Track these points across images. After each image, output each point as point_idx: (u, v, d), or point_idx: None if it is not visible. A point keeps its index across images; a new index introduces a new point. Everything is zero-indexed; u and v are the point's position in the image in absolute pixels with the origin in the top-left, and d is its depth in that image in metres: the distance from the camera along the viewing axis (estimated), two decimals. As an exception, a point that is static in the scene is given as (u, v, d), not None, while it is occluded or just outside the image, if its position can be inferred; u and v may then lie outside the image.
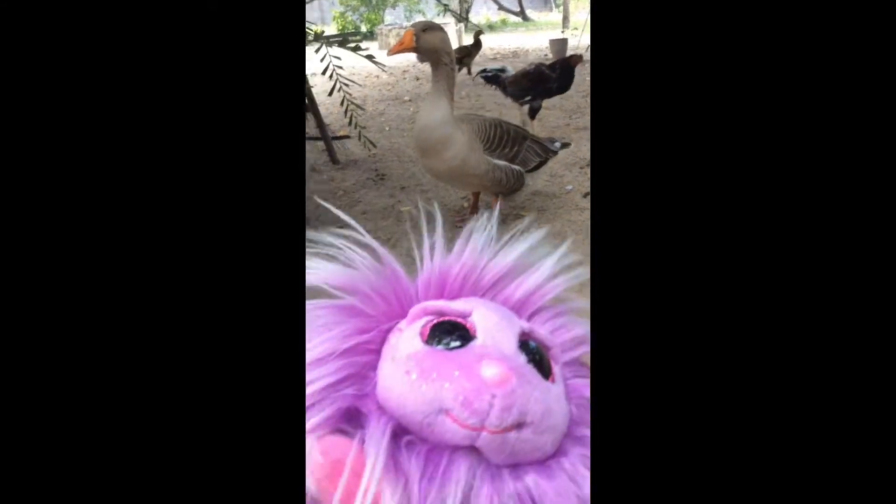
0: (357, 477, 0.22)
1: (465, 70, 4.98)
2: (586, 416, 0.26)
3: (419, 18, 13.64)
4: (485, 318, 0.25)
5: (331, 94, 2.42)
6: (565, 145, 2.00)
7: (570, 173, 2.38)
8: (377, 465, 0.22)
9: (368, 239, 0.29)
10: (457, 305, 0.27)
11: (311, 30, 2.14)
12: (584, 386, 0.27)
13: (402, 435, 0.24)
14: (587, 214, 1.94)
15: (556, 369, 0.26)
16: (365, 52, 2.16)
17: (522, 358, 0.24)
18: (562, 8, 13.17)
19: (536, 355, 0.24)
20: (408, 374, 0.23)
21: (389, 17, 13.89)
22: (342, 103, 2.47)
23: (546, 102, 3.83)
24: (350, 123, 2.57)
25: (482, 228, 0.30)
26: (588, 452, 0.25)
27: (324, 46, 2.15)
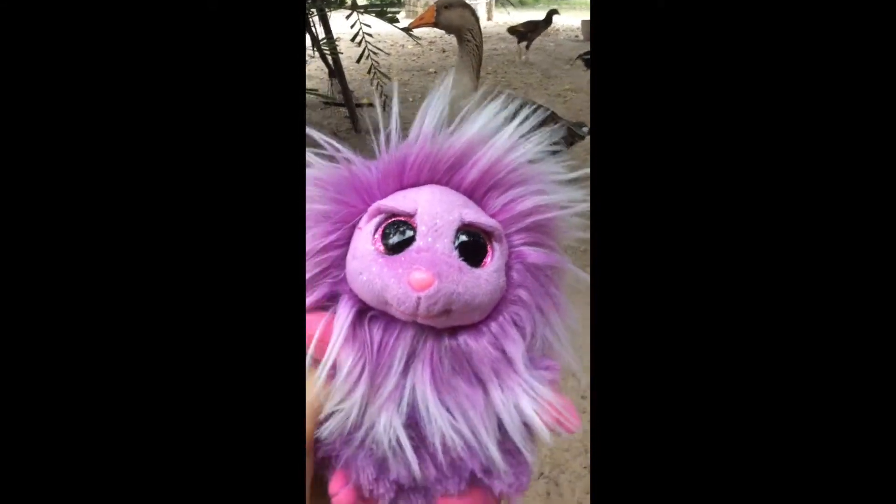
0: (323, 345, 0.28)
1: (525, 46, 4.80)
2: (527, 279, 0.29)
3: (450, -12, 13.31)
4: (426, 216, 0.28)
5: (359, 60, 2.41)
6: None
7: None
8: (340, 336, 0.27)
9: (328, 141, 0.30)
10: (407, 202, 0.30)
11: None
12: (529, 252, 0.30)
13: (366, 311, 0.28)
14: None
15: (496, 250, 0.29)
16: (400, 26, 2.14)
17: (454, 253, 0.28)
18: (597, -13, 12.73)
19: (470, 247, 0.28)
20: (360, 274, 0.27)
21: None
22: (369, 71, 2.46)
23: (574, 84, 3.78)
24: (376, 89, 2.57)
25: (436, 107, 0.31)
26: (521, 311, 0.29)
27: (355, 13, 2.13)
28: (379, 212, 0.29)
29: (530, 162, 0.31)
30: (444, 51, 5.44)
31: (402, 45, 5.92)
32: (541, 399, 0.29)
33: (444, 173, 0.30)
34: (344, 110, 2.76)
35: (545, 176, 0.31)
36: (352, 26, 2.20)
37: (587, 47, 5.47)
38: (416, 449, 0.27)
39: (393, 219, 0.29)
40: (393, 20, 1.99)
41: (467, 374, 0.29)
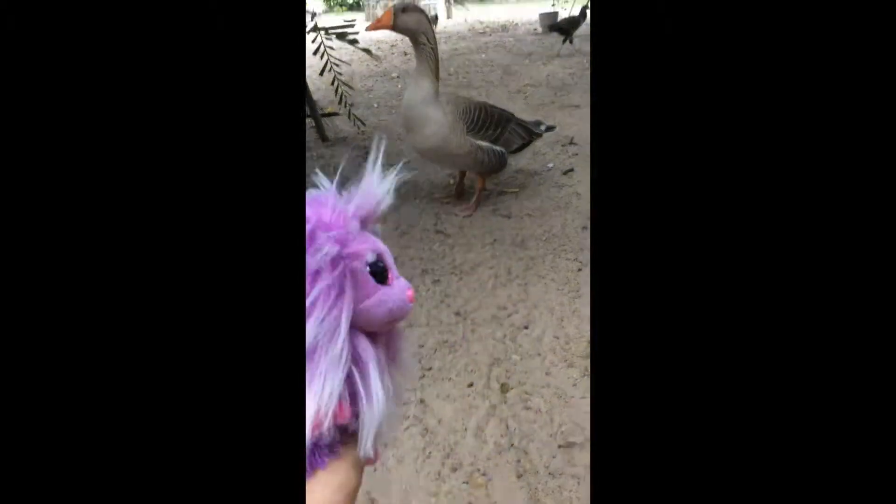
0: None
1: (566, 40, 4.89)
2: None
3: (408, -12, 13.32)
4: (385, 254, 0.40)
5: (322, 73, 2.48)
6: (550, 128, 2.07)
7: (552, 151, 2.48)
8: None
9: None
10: (374, 245, 0.40)
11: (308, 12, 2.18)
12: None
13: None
14: (566, 190, 2.05)
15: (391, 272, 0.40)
16: (361, 46, 2.21)
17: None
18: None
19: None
20: (383, 304, 0.38)
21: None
22: (333, 82, 2.53)
23: (533, 79, 3.89)
24: (340, 102, 2.64)
25: (369, 173, 0.42)
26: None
27: (317, 33, 2.20)
28: (360, 256, 0.40)
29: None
30: (405, 54, 5.50)
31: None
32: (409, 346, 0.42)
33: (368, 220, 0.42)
34: (310, 121, 2.82)
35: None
36: (313, 41, 2.27)
37: (547, 40, 5.59)
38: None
39: (371, 261, 0.39)
40: (354, 42, 2.07)
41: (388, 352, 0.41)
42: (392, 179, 0.41)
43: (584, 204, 1.91)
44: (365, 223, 0.41)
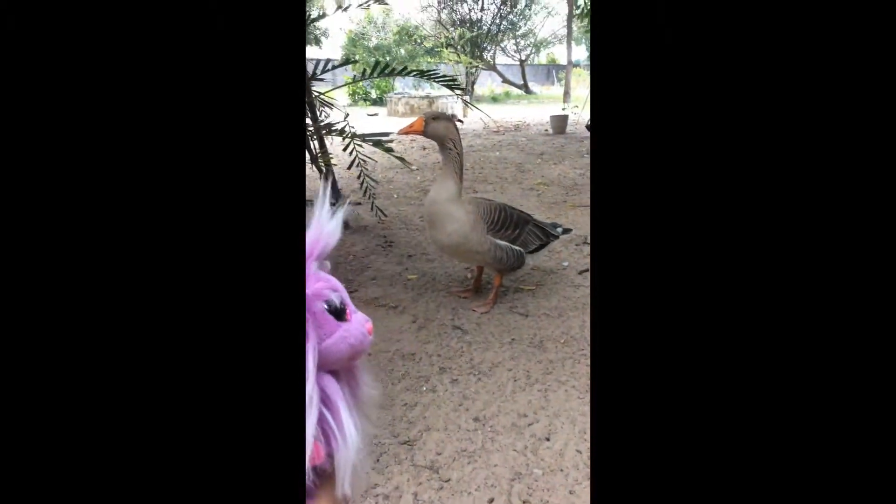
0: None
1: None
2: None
3: (427, 88, 14.39)
4: (342, 291, 0.42)
5: (350, 167, 2.62)
6: (566, 231, 2.14)
7: (566, 250, 2.53)
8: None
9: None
10: (331, 283, 0.42)
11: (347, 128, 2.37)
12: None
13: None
14: (582, 291, 2.07)
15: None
16: (396, 154, 2.36)
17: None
18: (563, 83, 13.95)
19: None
20: (344, 339, 0.41)
21: (399, 85, 14.67)
22: (359, 177, 2.67)
23: (546, 177, 4.07)
24: (364, 194, 2.76)
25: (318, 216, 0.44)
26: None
27: (351, 138, 2.36)
28: (319, 297, 0.41)
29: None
30: (424, 148, 5.81)
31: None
32: (369, 381, 0.45)
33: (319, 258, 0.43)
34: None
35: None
36: (343, 139, 2.42)
37: (557, 141, 5.91)
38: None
39: (329, 299, 0.41)
40: (389, 150, 2.21)
41: (351, 390, 0.42)
42: (339, 215, 0.43)
43: (602, 306, 1.91)
44: (318, 261, 0.43)
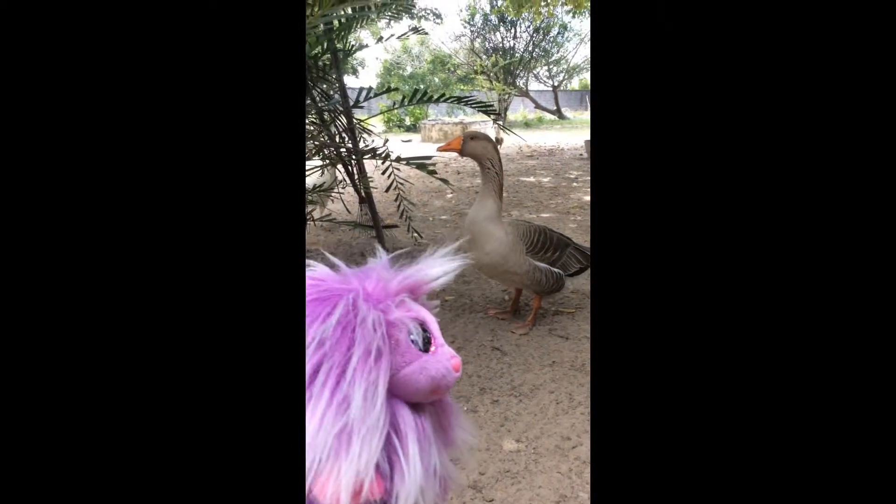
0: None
1: None
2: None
3: (460, 115, 14.62)
4: (430, 323, 0.42)
5: (387, 190, 2.69)
6: None
7: (605, 272, 2.50)
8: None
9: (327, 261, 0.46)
10: (415, 313, 0.43)
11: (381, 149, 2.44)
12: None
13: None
14: (623, 314, 2.03)
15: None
16: (439, 177, 2.42)
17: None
18: (595, 109, 13.91)
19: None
20: (423, 370, 0.40)
21: (432, 111, 14.97)
22: (396, 199, 2.73)
23: (580, 202, 4.07)
24: (401, 217, 2.81)
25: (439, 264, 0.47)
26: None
27: (389, 163, 2.43)
28: (402, 324, 0.42)
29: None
30: (458, 172, 5.89)
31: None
32: (467, 427, 0.47)
33: (415, 292, 0.45)
34: (372, 231, 2.99)
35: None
36: (382, 162, 2.49)
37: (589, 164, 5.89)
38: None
39: (413, 325, 0.41)
40: (433, 172, 2.28)
41: (439, 426, 0.44)
42: (450, 262, 0.44)
43: (644, 329, 1.87)
44: (413, 295, 0.43)
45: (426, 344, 0.41)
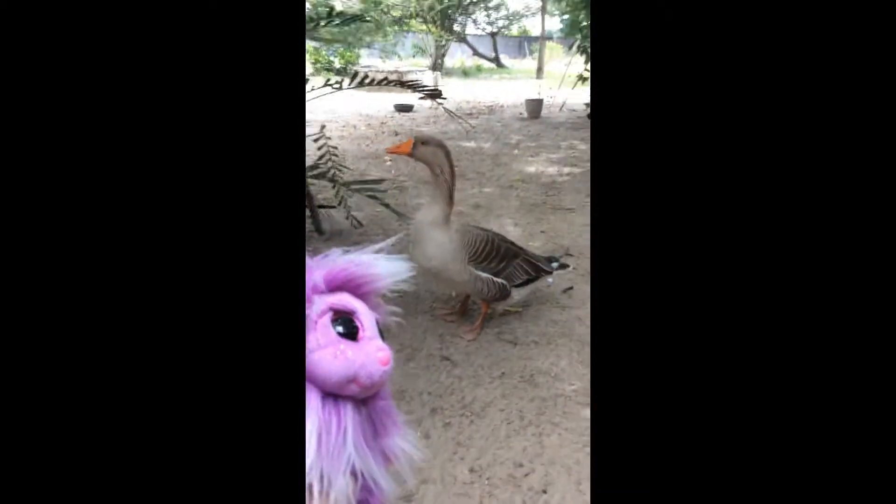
0: None
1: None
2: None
3: (395, 60, 13.93)
4: (363, 315, 0.41)
5: (320, 160, 2.51)
6: (563, 266, 2.09)
7: (549, 262, 2.52)
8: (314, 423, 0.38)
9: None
10: (348, 303, 0.41)
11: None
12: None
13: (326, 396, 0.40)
14: (568, 314, 2.07)
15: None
16: (385, 202, 2.27)
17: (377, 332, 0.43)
18: (536, 56, 13.76)
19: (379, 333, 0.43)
20: (334, 358, 0.38)
21: (365, 54, 14.15)
22: (331, 180, 2.56)
23: (522, 173, 4.06)
24: (339, 204, 2.65)
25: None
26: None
27: (324, 141, 2.24)
28: (330, 309, 0.38)
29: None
30: (396, 133, 5.66)
31: (354, 127, 6.11)
32: (410, 438, 0.44)
33: (356, 287, 0.43)
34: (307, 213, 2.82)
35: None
36: (323, 157, 2.30)
37: (533, 128, 5.86)
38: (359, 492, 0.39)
39: (340, 315, 0.39)
40: (386, 206, 2.15)
41: (373, 430, 0.41)
42: (397, 263, 0.42)
43: (586, 331, 1.92)
44: (355, 292, 0.41)
45: (352, 333, 0.39)
